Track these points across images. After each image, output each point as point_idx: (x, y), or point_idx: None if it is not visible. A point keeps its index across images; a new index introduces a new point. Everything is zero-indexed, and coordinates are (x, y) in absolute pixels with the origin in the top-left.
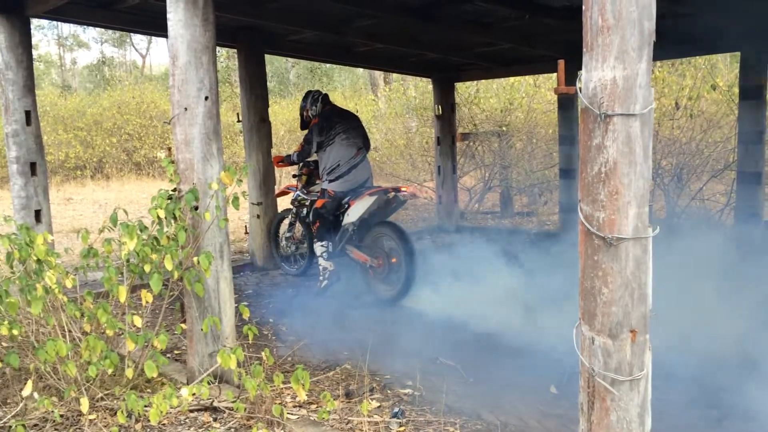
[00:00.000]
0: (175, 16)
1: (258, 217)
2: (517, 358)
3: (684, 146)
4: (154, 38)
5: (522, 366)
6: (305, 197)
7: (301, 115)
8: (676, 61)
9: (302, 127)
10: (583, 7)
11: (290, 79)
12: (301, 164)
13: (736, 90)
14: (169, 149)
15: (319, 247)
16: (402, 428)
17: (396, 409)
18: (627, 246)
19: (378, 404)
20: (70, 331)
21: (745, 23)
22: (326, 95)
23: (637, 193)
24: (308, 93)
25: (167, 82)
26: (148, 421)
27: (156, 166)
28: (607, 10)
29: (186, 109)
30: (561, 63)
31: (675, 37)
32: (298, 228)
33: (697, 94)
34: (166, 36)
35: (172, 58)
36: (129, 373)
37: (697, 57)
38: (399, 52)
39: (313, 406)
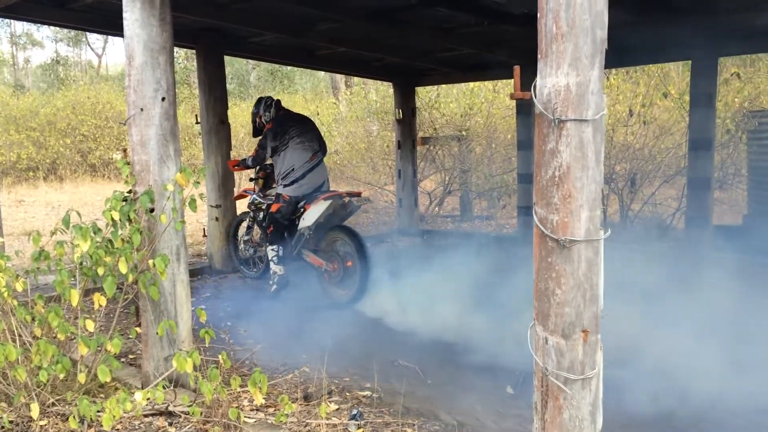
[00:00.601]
0: (132, 15)
1: (216, 219)
2: (474, 360)
3: (637, 152)
4: (110, 38)
5: (479, 367)
6: (262, 201)
7: (254, 122)
8: (630, 68)
9: (254, 135)
10: (538, 15)
11: (251, 81)
12: (257, 168)
13: (688, 97)
14: (125, 150)
15: (270, 251)
16: (360, 430)
17: (354, 411)
18: (579, 248)
19: (336, 407)
20: (20, 336)
21: (696, 32)
22: (278, 101)
23: (590, 196)
24: (260, 99)
25: (123, 82)
26: (101, 426)
27: (111, 168)
28: (561, 17)
29: (142, 109)
30: (517, 69)
31: (628, 45)
32: (256, 231)
33: (650, 102)
34: (122, 35)
35: (128, 58)
36: (81, 378)
37: (650, 65)
38: (361, 56)
39: (271, 410)
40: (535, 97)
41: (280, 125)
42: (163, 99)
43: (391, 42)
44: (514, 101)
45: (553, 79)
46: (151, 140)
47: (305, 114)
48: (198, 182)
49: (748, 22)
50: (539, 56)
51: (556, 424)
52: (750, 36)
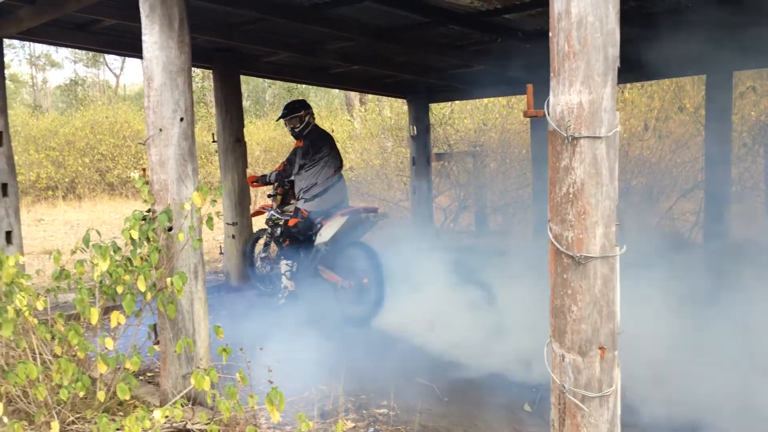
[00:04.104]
0: (151, 38)
1: (233, 237)
2: (490, 377)
3: (653, 166)
4: (127, 58)
5: (495, 384)
6: (279, 217)
7: (292, 125)
8: (645, 82)
9: (296, 135)
10: (550, 34)
11: (266, 98)
12: (275, 184)
13: (703, 111)
14: (144, 170)
15: (284, 266)
16: None
17: (371, 429)
18: (595, 264)
19: (353, 424)
20: (41, 354)
21: (711, 46)
22: (311, 110)
23: (604, 213)
24: (295, 103)
25: (141, 101)
26: None
27: (129, 187)
28: (573, 36)
29: (161, 130)
30: (530, 87)
31: (642, 60)
32: (274, 248)
33: (665, 116)
34: (141, 57)
35: (147, 79)
36: (101, 395)
37: (665, 79)
38: (374, 74)
39: (288, 428)
40: (548, 114)
41: (312, 144)
42: (181, 119)
43: (404, 59)
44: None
45: (565, 97)
46: (169, 160)
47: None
48: (215, 200)
49: (764, 35)
50: (552, 74)
51: None
52: (765, 50)
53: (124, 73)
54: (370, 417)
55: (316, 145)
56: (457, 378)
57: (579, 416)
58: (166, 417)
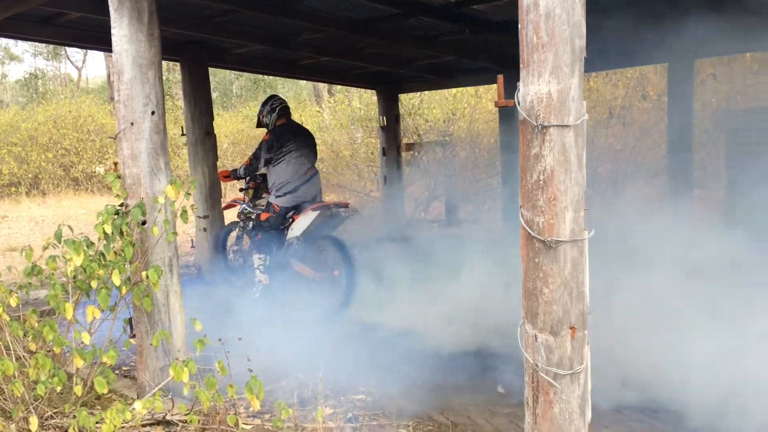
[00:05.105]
0: (120, 31)
1: (204, 230)
2: (464, 361)
3: (618, 153)
4: (90, 50)
5: (470, 368)
6: (251, 210)
7: (258, 117)
8: (610, 71)
9: (257, 126)
10: (519, 26)
11: (233, 90)
12: (248, 177)
13: (666, 99)
14: (115, 164)
15: (256, 260)
16: None
17: (349, 415)
18: (565, 248)
19: (332, 411)
20: (15, 351)
21: (673, 35)
22: (285, 107)
23: (573, 198)
24: (269, 98)
25: (104, 95)
26: None
27: (95, 182)
28: (541, 28)
29: (132, 123)
30: (500, 78)
31: (606, 50)
32: (246, 240)
33: (629, 103)
34: (109, 50)
35: (118, 73)
36: (78, 390)
37: (629, 68)
38: (344, 65)
39: (267, 416)
40: (519, 104)
41: (277, 139)
42: (152, 113)
43: (375, 51)
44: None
45: (535, 87)
46: (141, 153)
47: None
48: (189, 193)
49: (723, 23)
50: (521, 65)
51: (547, 418)
52: (725, 37)
53: (86, 66)
54: (348, 403)
55: (281, 140)
56: (432, 363)
57: (552, 393)
58: (145, 409)
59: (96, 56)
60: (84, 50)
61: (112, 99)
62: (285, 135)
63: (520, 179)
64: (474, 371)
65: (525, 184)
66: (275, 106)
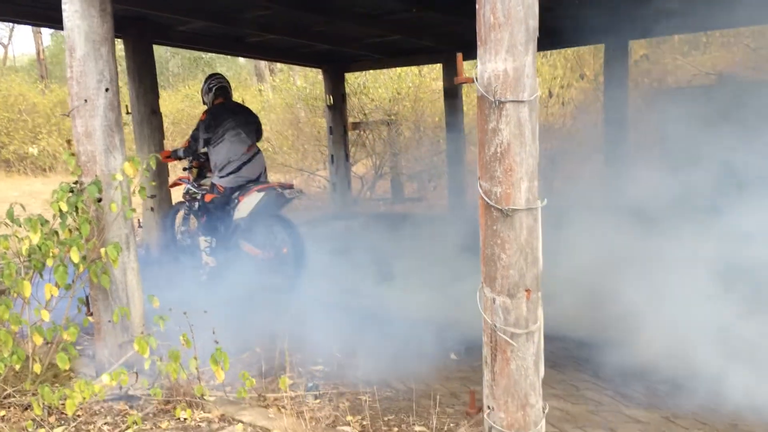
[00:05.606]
0: (71, 6)
1: (152, 209)
2: (417, 331)
3: (557, 132)
4: (16, 26)
5: (423, 337)
6: (196, 191)
7: (201, 96)
8: (548, 51)
9: (204, 103)
10: (477, 6)
11: (170, 69)
12: (190, 157)
13: (602, 79)
14: (69, 141)
15: (203, 242)
16: (318, 401)
17: (310, 384)
18: (521, 216)
19: (292, 381)
20: None
21: (608, 17)
22: (222, 87)
23: (528, 169)
24: (207, 77)
25: (35, 73)
26: (62, 414)
27: (28, 163)
28: (498, 9)
29: (86, 101)
30: (459, 56)
31: (546, 30)
32: (193, 221)
33: (567, 83)
34: (55, 27)
35: (70, 49)
36: (37, 368)
37: (567, 48)
38: (291, 43)
39: (228, 388)
40: (477, 81)
41: (214, 118)
42: (107, 90)
43: (321, 29)
44: (441, 85)
45: (492, 65)
46: (96, 131)
47: None
48: (147, 171)
49: (656, 5)
50: (479, 43)
51: (505, 374)
52: (658, 19)
53: (12, 43)
54: (308, 374)
55: (218, 119)
56: (386, 334)
57: (509, 351)
58: (115, 382)
59: (23, 32)
60: (10, 26)
61: (43, 78)
62: (222, 114)
63: (479, 152)
64: (427, 340)
65: (483, 157)
66: (212, 86)
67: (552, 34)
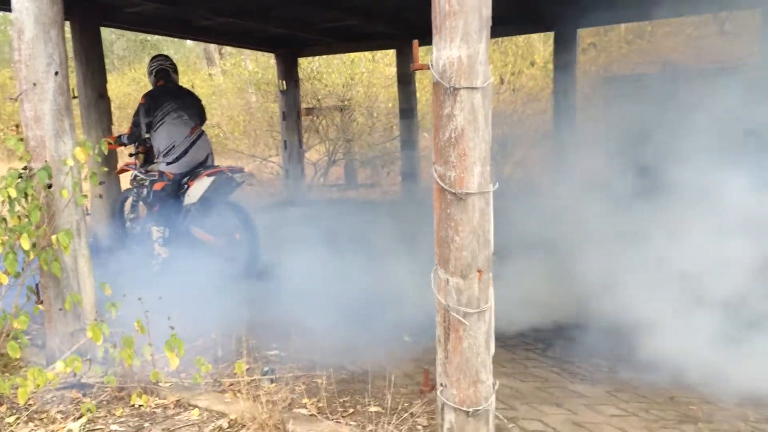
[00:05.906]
0: None
1: (100, 196)
2: (373, 315)
3: (507, 118)
4: None
5: (376, 321)
6: (144, 177)
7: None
8: (500, 39)
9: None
10: None
11: (115, 51)
12: (136, 143)
13: (551, 66)
14: (17, 126)
15: (155, 232)
16: (274, 384)
17: (266, 368)
18: (473, 199)
19: (248, 366)
20: None
21: (557, 5)
22: (163, 69)
23: (481, 154)
24: (151, 59)
25: None
26: (14, 403)
27: None
28: None
29: (35, 84)
30: (415, 43)
31: (497, 18)
32: (142, 207)
33: (518, 70)
34: (6, 9)
35: (18, 32)
36: None
37: (517, 36)
38: (243, 26)
39: (183, 375)
40: (432, 67)
41: (153, 101)
42: (56, 73)
43: (274, 13)
44: (394, 71)
45: (447, 52)
46: (45, 115)
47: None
48: (99, 156)
49: None
50: (434, 31)
51: (458, 352)
52: (605, 8)
53: None
54: (263, 359)
55: (157, 101)
56: (340, 318)
57: (461, 330)
58: (69, 369)
59: None
60: None
61: None
62: (161, 96)
63: (434, 137)
64: (381, 323)
65: (438, 142)
66: (152, 69)
67: (504, 22)
